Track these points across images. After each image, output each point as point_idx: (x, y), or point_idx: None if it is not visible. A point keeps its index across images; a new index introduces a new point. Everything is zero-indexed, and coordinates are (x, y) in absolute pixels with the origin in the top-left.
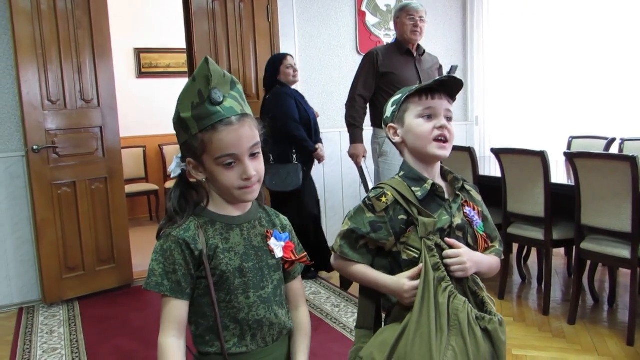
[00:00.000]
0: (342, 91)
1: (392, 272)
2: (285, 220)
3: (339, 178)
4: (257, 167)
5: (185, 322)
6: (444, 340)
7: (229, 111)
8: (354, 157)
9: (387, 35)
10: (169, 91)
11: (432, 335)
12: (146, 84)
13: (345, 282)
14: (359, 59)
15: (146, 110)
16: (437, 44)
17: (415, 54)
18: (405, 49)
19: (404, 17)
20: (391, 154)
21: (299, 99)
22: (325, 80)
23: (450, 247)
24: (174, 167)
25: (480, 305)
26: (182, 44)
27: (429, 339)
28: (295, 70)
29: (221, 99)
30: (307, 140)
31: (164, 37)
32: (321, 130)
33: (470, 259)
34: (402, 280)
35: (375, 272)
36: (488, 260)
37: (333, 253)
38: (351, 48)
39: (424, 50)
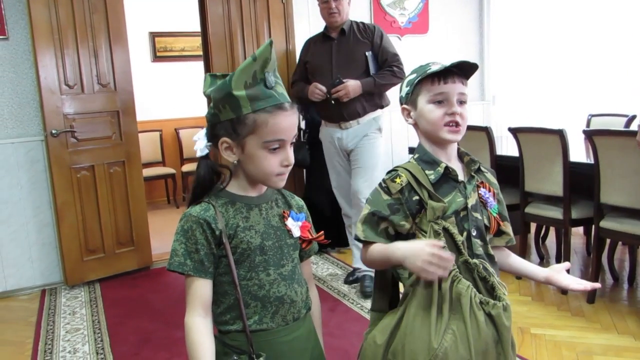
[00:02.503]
0: None
1: None
2: (300, 201)
3: None
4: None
5: (210, 301)
6: (443, 323)
7: (282, 97)
8: (313, 94)
9: (402, 15)
10: (184, 75)
11: (432, 318)
12: (161, 68)
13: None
14: None
15: (162, 94)
16: (452, 23)
17: (336, 38)
18: (327, 33)
19: (319, 1)
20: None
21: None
22: None
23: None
24: (202, 147)
25: (490, 291)
26: (197, 27)
27: (429, 322)
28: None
29: (274, 84)
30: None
31: (178, 20)
32: None
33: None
34: (424, 245)
35: (390, 244)
36: None
37: (362, 247)
38: None
39: (346, 31)
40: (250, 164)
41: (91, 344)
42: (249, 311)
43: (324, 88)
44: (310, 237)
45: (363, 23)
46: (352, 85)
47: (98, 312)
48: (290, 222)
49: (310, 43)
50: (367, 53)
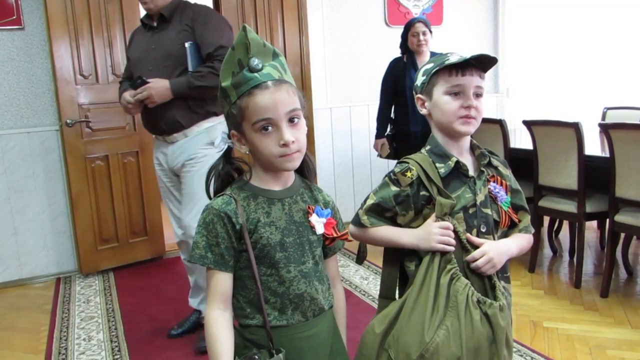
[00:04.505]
0: (369, 64)
1: (414, 251)
2: (327, 196)
3: (367, 151)
4: (296, 135)
5: (230, 294)
6: (438, 319)
7: (265, 77)
8: (125, 109)
9: (415, 6)
10: None
11: (427, 313)
12: None
13: (360, 257)
14: (387, 31)
15: None
16: (466, 14)
17: (156, 26)
18: (146, 21)
19: None
20: None
21: (408, 69)
22: (352, 52)
23: (473, 245)
24: (218, 142)
25: (493, 288)
26: None
27: (424, 317)
28: (419, 39)
29: (260, 67)
30: (378, 120)
31: None
32: (348, 104)
33: (496, 253)
34: (429, 223)
35: (396, 228)
36: (517, 244)
37: (353, 226)
38: (379, 20)
39: (166, 17)
40: (255, 150)
41: (105, 331)
42: (269, 307)
43: (131, 99)
44: (334, 234)
45: (193, 5)
46: (157, 87)
47: (112, 300)
48: (314, 219)
49: (133, 34)
50: (186, 44)
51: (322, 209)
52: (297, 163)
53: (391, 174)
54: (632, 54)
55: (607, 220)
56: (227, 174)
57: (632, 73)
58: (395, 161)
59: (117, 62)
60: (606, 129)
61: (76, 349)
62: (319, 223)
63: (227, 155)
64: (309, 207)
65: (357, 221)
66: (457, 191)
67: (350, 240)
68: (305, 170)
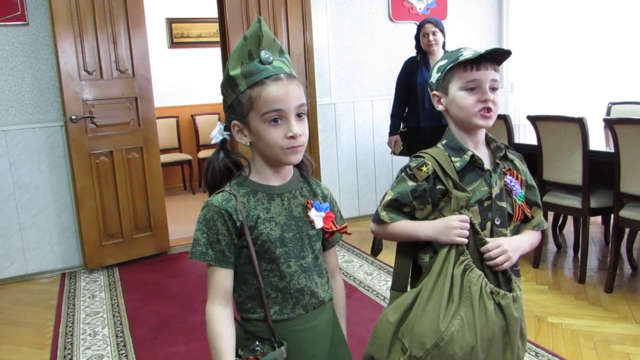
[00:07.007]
0: (373, 59)
1: (428, 243)
2: (326, 189)
3: (371, 147)
4: (302, 129)
5: (230, 290)
6: (453, 309)
7: (277, 69)
8: None
9: (420, 1)
10: (201, 61)
11: (442, 303)
12: (178, 54)
13: (375, 249)
14: (391, 27)
15: (178, 80)
16: (471, 9)
17: None
18: None
19: None
20: None
21: (420, 67)
22: (356, 48)
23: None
24: (215, 133)
25: (508, 281)
26: (214, 13)
27: (439, 307)
28: (429, 39)
29: (270, 60)
30: (391, 118)
31: (195, 6)
32: (352, 100)
33: (511, 247)
34: (449, 217)
35: (414, 222)
36: (528, 241)
37: (373, 223)
38: (383, 15)
39: None
40: (259, 141)
41: (111, 327)
42: (270, 301)
43: None
44: (334, 228)
45: None
46: None
47: (117, 296)
48: (313, 213)
49: None
50: None
51: (321, 203)
52: (300, 157)
53: (407, 169)
54: (637, 49)
55: (612, 215)
56: (226, 167)
57: (636, 68)
58: (407, 158)
59: (122, 58)
60: (611, 124)
61: (82, 344)
62: (318, 217)
63: (224, 147)
64: (307, 202)
65: (376, 218)
66: (472, 184)
67: (350, 234)
68: (303, 165)
